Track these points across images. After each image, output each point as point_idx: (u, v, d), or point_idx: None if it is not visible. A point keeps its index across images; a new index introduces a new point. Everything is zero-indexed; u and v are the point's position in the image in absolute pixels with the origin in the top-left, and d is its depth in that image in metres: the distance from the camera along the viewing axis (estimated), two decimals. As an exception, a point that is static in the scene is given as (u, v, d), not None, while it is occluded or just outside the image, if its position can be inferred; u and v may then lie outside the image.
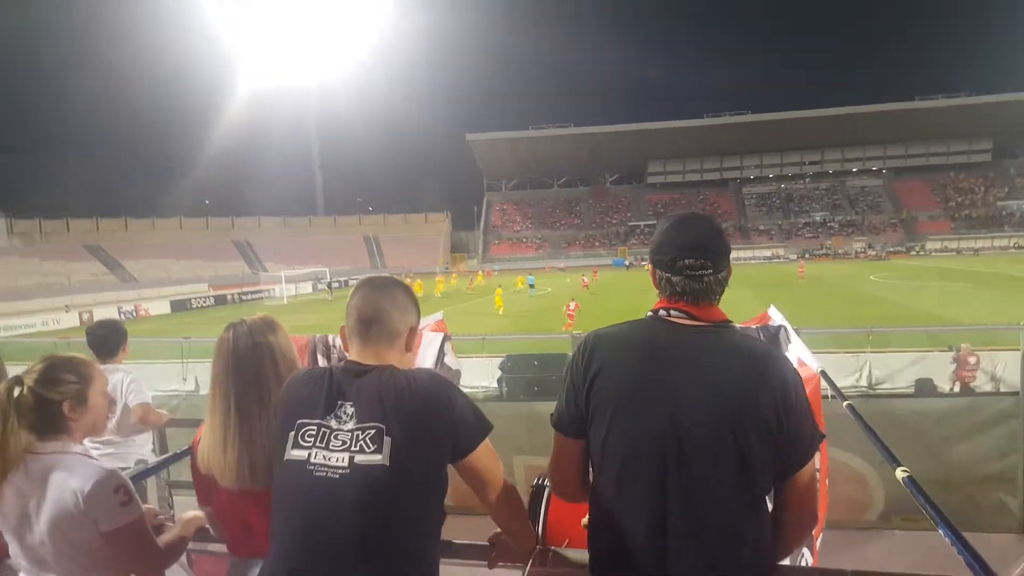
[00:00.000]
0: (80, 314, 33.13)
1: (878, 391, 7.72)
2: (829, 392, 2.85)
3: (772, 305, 3.72)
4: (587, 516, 1.48)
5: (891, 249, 66.14)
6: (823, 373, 2.86)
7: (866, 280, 34.12)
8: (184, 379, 8.10)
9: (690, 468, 1.27)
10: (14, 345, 17.29)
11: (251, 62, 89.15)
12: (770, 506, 1.38)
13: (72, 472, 1.54)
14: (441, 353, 3.67)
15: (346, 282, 51.34)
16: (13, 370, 2.11)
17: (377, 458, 1.29)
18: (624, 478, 1.33)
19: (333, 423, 1.34)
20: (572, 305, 20.31)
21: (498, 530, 1.63)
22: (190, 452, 1.79)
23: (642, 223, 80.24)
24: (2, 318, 31.51)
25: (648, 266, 1.46)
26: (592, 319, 18.53)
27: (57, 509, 1.51)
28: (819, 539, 2.51)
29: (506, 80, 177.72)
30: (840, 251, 67.67)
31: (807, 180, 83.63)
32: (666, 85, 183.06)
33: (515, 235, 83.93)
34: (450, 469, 1.44)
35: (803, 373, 2.30)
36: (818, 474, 1.47)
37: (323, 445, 1.32)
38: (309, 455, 1.32)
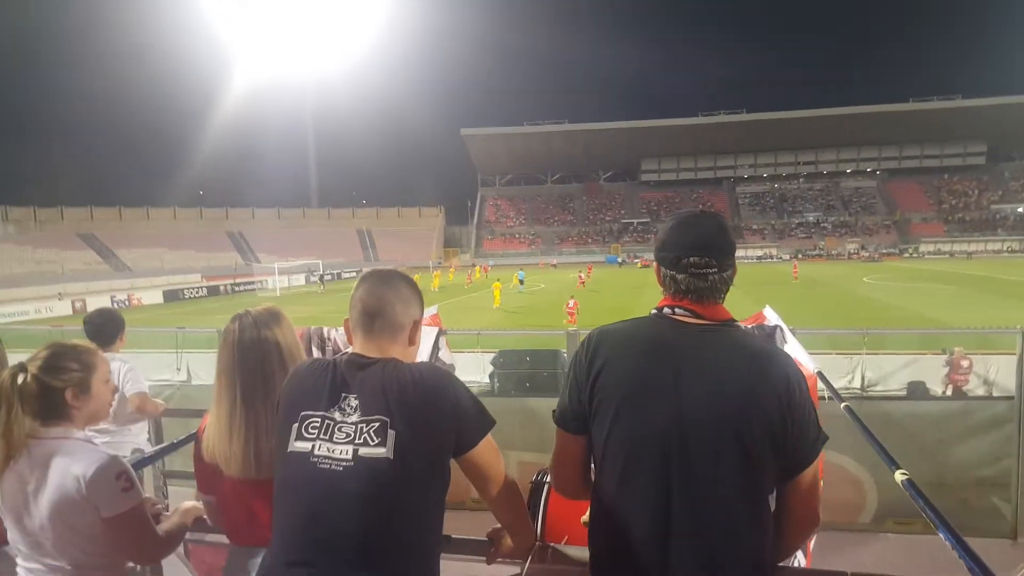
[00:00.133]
0: (73, 302, 32.96)
1: (871, 393, 7.74)
2: (825, 393, 2.86)
3: (767, 305, 3.70)
4: (587, 513, 1.48)
5: (884, 251, 66.45)
6: (820, 374, 2.87)
7: (859, 282, 34.28)
8: (178, 369, 8.09)
9: (693, 466, 1.26)
10: (9, 332, 17.20)
11: (247, 55, 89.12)
12: (772, 506, 1.37)
13: (74, 457, 1.55)
14: (436, 348, 3.65)
15: (339, 275, 51.26)
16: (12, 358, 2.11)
17: (381, 451, 1.28)
18: (626, 476, 1.32)
19: (337, 415, 1.33)
20: (572, 303, 20.14)
21: (497, 525, 1.63)
22: (194, 441, 1.80)
23: (635, 220, 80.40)
24: (-5, 305, 31.31)
25: (652, 263, 1.46)
26: (592, 317, 18.51)
27: (59, 494, 1.51)
28: (812, 541, 2.52)
29: (501, 76, 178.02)
30: (833, 252, 67.95)
31: (801, 180, 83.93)
32: (661, 83, 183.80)
33: (508, 231, 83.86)
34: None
35: (801, 373, 2.30)
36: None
37: (327, 437, 1.32)
38: (313, 447, 1.31)
